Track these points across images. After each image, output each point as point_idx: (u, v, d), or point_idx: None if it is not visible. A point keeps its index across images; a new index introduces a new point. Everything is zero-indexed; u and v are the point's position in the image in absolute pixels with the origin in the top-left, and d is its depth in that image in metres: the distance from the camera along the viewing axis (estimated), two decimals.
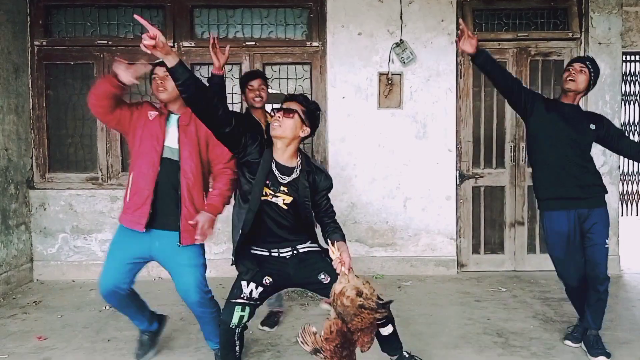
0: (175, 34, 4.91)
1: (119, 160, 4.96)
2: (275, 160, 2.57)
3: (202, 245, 2.87)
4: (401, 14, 4.86)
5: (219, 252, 4.95)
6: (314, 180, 2.64)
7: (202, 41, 4.95)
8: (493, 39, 4.98)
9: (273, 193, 2.55)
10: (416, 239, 4.96)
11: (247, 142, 2.52)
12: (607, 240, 3.10)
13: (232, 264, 2.63)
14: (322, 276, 2.59)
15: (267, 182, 2.54)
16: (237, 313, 2.42)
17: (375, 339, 2.58)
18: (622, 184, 7.61)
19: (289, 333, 3.48)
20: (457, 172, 4.96)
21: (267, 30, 5.03)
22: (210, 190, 2.88)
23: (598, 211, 3.08)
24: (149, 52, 2.18)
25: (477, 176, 5.02)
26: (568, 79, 3.07)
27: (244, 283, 2.49)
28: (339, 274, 2.31)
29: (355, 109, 4.89)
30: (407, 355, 2.84)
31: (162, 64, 2.70)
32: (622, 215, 5.26)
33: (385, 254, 4.96)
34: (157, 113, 2.80)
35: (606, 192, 3.14)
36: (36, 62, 4.90)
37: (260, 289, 2.50)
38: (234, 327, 2.43)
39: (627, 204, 7.90)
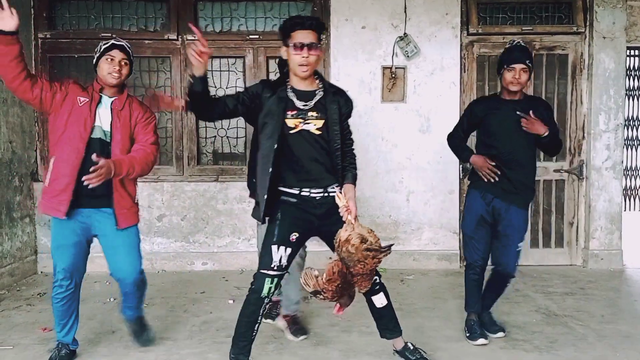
0: (179, 27, 4.92)
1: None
2: (294, 89, 2.59)
3: (136, 226, 2.90)
4: (405, 7, 4.85)
5: (222, 245, 4.97)
6: (338, 101, 2.65)
7: (206, 34, 4.91)
8: (497, 32, 4.97)
9: (303, 120, 2.56)
10: (419, 233, 4.97)
11: (258, 99, 2.58)
12: (521, 243, 3.15)
13: (262, 220, 2.66)
14: None
15: (291, 112, 2.55)
16: (267, 285, 2.55)
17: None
18: (625, 179, 7.60)
19: None
20: (461, 166, 4.96)
21: (270, 24, 5.02)
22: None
23: (515, 211, 3.11)
24: (195, 56, 2.37)
25: None
26: (512, 82, 3.02)
27: (274, 248, 2.56)
28: (344, 221, 2.39)
29: (359, 102, 4.85)
30: (411, 347, 2.85)
31: (119, 47, 2.74)
32: (625, 210, 5.24)
33: None
34: (87, 99, 2.73)
35: (532, 197, 3.23)
36: (40, 54, 4.91)
37: (288, 250, 2.58)
38: (264, 297, 2.56)
39: (630, 199, 7.89)
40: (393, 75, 4.85)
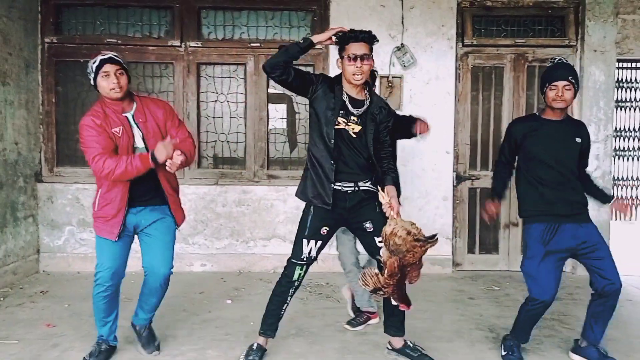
0: (182, 34, 5.05)
1: None
2: (347, 95, 2.82)
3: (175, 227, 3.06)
4: (402, 18, 5.00)
5: (221, 247, 5.08)
6: (381, 111, 2.86)
7: (208, 41, 5.10)
8: (492, 44, 5.12)
9: (345, 121, 2.79)
10: None
11: (313, 86, 2.79)
12: (609, 250, 2.98)
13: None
14: (368, 225, 2.86)
15: (341, 111, 2.77)
16: (297, 272, 2.89)
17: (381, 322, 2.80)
18: (615, 189, 7.74)
19: (287, 325, 3.59)
20: (454, 173, 5.10)
21: (272, 32, 5.16)
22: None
23: (587, 226, 2.96)
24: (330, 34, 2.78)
25: (473, 178, 5.16)
26: (556, 100, 2.89)
27: (304, 241, 2.86)
28: (388, 217, 2.61)
29: None
30: (411, 345, 3.03)
31: (108, 60, 2.74)
32: (613, 219, 5.37)
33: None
34: (121, 127, 2.79)
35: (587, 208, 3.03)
36: (46, 58, 5.04)
37: (319, 243, 2.87)
38: (294, 281, 2.89)
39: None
40: (390, 84, 4.99)
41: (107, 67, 2.73)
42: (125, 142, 2.79)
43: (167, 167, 2.74)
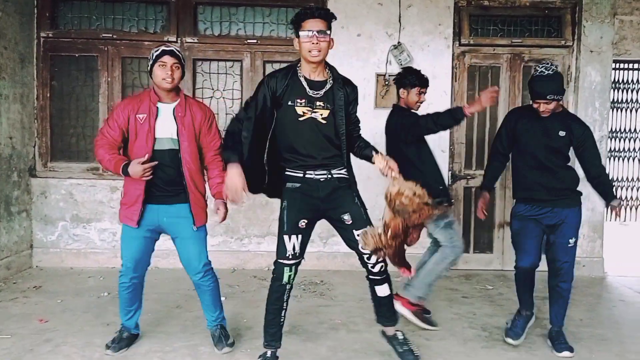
0: (178, 29, 5.04)
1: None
2: (306, 79, 2.72)
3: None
4: (400, 17, 4.99)
5: (215, 244, 5.07)
6: (346, 90, 2.79)
7: (204, 37, 5.08)
8: (488, 44, 5.12)
9: (311, 109, 2.70)
10: None
11: (272, 98, 2.69)
12: (570, 240, 3.18)
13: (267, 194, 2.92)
14: (346, 217, 2.77)
15: (301, 101, 2.69)
16: (286, 273, 2.74)
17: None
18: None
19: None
20: (450, 172, 5.10)
21: (268, 29, 5.15)
22: (210, 177, 3.06)
23: (566, 212, 3.18)
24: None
25: (468, 177, 5.16)
26: (543, 112, 3.08)
27: (285, 238, 2.73)
28: (390, 178, 2.57)
29: None
30: (400, 338, 2.96)
31: (169, 52, 2.87)
32: (608, 220, 5.39)
33: None
34: (145, 115, 2.89)
35: (579, 195, 3.23)
36: (42, 53, 5.01)
37: (299, 237, 2.75)
38: (285, 284, 2.75)
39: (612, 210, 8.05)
40: (386, 83, 4.99)
41: (166, 58, 2.86)
42: (145, 129, 2.88)
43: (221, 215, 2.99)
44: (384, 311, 2.97)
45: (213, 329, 3.19)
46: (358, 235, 2.73)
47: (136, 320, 3.19)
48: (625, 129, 7.78)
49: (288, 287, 2.78)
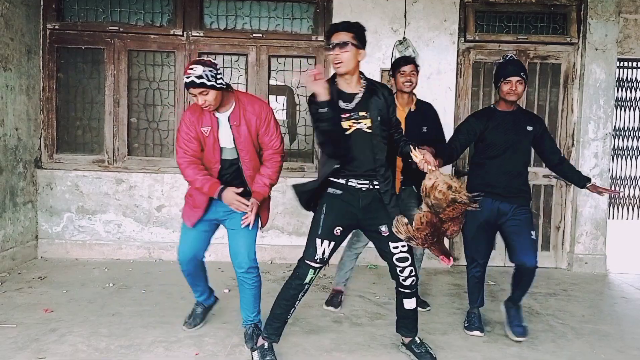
0: (184, 23, 5.05)
1: (125, 144, 5.10)
2: (339, 91, 2.75)
3: (258, 215, 3.08)
4: (405, 12, 5.00)
5: (219, 236, 5.06)
6: (383, 95, 2.79)
7: (210, 31, 5.09)
8: (493, 40, 5.12)
9: (355, 121, 2.72)
10: None
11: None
12: (532, 232, 3.25)
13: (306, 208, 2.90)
14: (384, 228, 2.78)
15: (344, 116, 2.70)
16: (310, 274, 2.76)
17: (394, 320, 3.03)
18: (612, 188, 7.75)
19: None
20: (453, 168, 5.11)
21: (274, 23, 5.16)
22: (259, 174, 3.02)
23: (523, 208, 3.30)
24: (311, 82, 2.56)
25: None
26: (510, 93, 3.21)
27: (318, 241, 2.75)
28: (426, 172, 2.58)
29: None
30: (418, 341, 3.02)
31: (190, 84, 2.74)
32: (611, 218, 5.40)
33: None
34: (209, 127, 2.91)
35: (530, 199, 3.43)
36: (48, 45, 5.03)
37: (332, 244, 2.77)
38: (305, 284, 2.77)
39: (616, 207, 8.06)
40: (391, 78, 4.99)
41: (192, 91, 2.78)
42: (211, 141, 2.92)
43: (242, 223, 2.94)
44: (407, 323, 3.00)
45: (247, 327, 3.17)
46: (394, 247, 2.78)
47: (206, 296, 3.38)
48: (629, 128, 7.77)
49: (307, 287, 2.79)
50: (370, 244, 3.16)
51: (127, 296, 3.95)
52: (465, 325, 3.46)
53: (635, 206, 8.20)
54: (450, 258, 2.67)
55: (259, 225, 3.12)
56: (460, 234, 2.97)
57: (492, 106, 3.43)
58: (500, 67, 3.30)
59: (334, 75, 2.81)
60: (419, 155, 2.62)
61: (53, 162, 5.10)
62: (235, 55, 5.17)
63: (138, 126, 5.18)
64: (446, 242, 2.75)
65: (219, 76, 2.79)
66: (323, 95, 2.57)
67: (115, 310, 3.61)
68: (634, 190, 8.11)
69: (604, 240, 5.13)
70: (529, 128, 3.31)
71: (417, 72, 3.74)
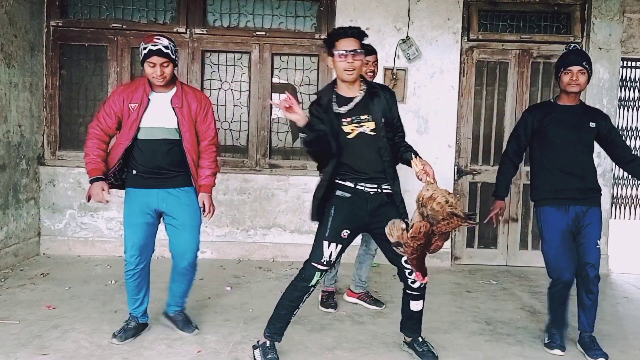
0: (188, 20, 5.05)
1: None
2: (337, 95, 2.77)
3: (199, 208, 3.09)
4: (409, 11, 4.99)
5: (221, 234, 5.10)
6: (385, 96, 2.80)
7: (213, 29, 5.10)
8: (497, 39, 5.12)
9: (358, 125, 2.73)
10: None
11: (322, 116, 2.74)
12: (598, 241, 3.07)
13: (312, 218, 2.87)
14: None
15: (346, 120, 2.72)
16: (316, 277, 2.75)
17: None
18: (615, 188, 7.76)
19: None
20: (456, 167, 5.11)
21: (277, 21, 5.16)
22: (200, 167, 3.07)
23: (594, 210, 3.08)
24: (285, 111, 2.58)
25: (474, 172, 5.17)
26: (571, 84, 3.01)
27: (325, 243, 2.74)
28: (424, 183, 2.55)
29: None
30: (421, 339, 3.02)
31: (156, 52, 2.80)
32: (613, 217, 5.40)
33: None
34: (136, 105, 2.92)
35: (601, 194, 3.16)
36: (51, 42, 5.04)
37: (339, 247, 2.76)
38: (311, 286, 2.76)
39: (619, 207, 8.06)
40: (394, 77, 4.99)
41: (154, 59, 2.82)
42: (132, 118, 2.91)
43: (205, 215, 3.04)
44: (412, 324, 3.01)
45: (176, 314, 3.24)
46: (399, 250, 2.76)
47: (144, 309, 3.19)
48: (632, 127, 7.78)
49: (312, 289, 2.79)
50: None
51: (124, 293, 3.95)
52: (546, 342, 3.22)
53: (638, 206, 8.20)
54: (426, 277, 2.63)
55: (203, 213, 3.11)
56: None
57: (551, 100, 3.21)
58: (561, 57, 3.13)
59: (335, 81, 2.82)
60: (419, 165, 2.61)
61: (56, 159, 5.11)
62: (238, 53, 5.17)
63: None
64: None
65: (177, 54, 2.93)
66: (300, 121, 2.59)
67: (118, 308, 3.61)
68: (636, 191, 8.11)
69: (606, 240, 5.12)
70: (592, 125, 3.07)
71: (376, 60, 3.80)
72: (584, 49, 5.09)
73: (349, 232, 2.77)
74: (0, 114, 4.42)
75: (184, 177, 3.03)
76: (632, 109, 7.74)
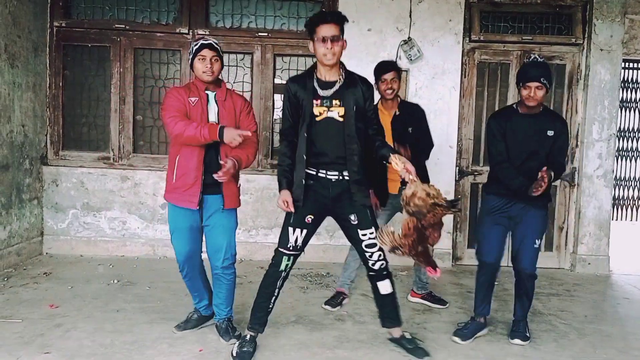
0: (190, 21, 5.07)
1: (131, 141, 5.12)
2: (319, 79, 2.83)
3: (236, 212, 3.12)
4: (410, 12, 5.01)
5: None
6: (361, 88, 2.86)
7: (216, 30, 5.11)
8: (498, 40, 5.13)
9: (327, 108, 2.80)
10: None
11: (296, 101, 2.85)
12: (537, 241, 3.22)
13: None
14: (352, 217, 2.88)
15: (316, 102, 2.79)
16: (284, 262, 2.89)
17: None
18: (616, 189, 7.75)
19: (288, 312, 3.65)
20: (457, 168, 5.12)
21: (279, 22, 5.18)
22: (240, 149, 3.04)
23: (534, 212, 3.19)
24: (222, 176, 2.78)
25: (476, 173, 5.18)
26: (528, 99, 3.06)
27: (290, 229, 2.87)
28: (407, 181, 2.63)
29: None
30: (408, 337, 3.07)
31: (208, 46, 2.93)
32: (614, 219, 5.40)
33: None
34: (197, 98, 2.97)
35: (549, 200, 3.28)
36: (55, 42, 5.06)
37: (304, 232, 2.87)
38: (281, 271, 2.90)
39: (619, 209, 8.05)
40: None
41: (205, 52, 2.92)
42: (198, 111, 2.95)
43: (217, 176, 2.82)
44: (388, 312, 3.05)
45: (220, 321, 3.20)
46: (363, 234, 2.86)
47: (205, 303, 3.29)
48: (633, 129, 7.77)
49: (283, 274, 2.91)
50: None
51: (132, 293, 3.98)
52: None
53: (639, 207, 8.20)
54: (437, 269, 2.68)
55: (237, 219, 3.14)
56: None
57: (513, 106, 3.25)
58: (521, 69, 3.19)
59: (314, 66, 2.88)
60: (399, 164, 2.67)
61: (59, 159, 5.13)
62: (240, 53, 5.19)
63: (143, 124, 5.20)
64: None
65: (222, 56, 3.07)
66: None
67: (120, 307, 3.64)
68: (637, 192, 8.11)
69: (607, 241, 5.13)
70: (550, 133, 3.12)
71: (399, 77, 3.74)
72: (585, 50, 5.10)
73: (312, 217, 2.87)
74: (4, 114, 4.44)
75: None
76: (634, 111, 7.74)
